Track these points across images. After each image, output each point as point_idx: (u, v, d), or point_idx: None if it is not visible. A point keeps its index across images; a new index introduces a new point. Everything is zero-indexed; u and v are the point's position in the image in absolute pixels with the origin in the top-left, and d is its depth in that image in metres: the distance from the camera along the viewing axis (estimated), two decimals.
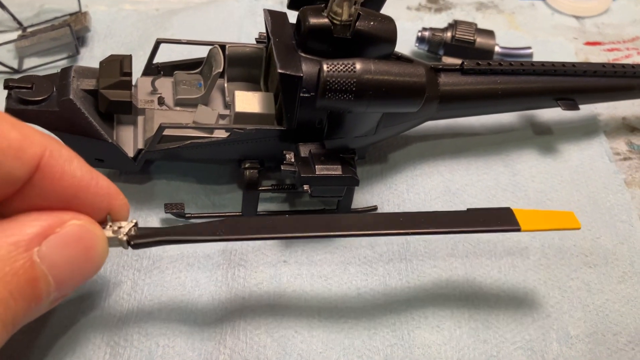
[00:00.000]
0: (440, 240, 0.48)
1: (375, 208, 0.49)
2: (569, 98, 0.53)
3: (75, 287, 0.34)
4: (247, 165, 0.45)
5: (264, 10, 0.46)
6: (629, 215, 0.51)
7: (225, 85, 0.49)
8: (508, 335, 0.43)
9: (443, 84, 0.49)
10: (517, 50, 0.62)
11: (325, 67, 0.39)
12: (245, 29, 0.63)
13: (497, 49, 0.61)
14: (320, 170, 0.43)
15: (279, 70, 0.41)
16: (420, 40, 0.61)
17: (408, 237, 0.47)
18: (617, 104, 0.60)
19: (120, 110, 0.44)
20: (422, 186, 0.51)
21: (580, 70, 0.52)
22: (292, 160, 0.43)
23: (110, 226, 0.35)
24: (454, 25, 0.60)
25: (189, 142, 0.43)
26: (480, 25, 0.67)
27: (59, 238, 0.32)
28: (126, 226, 0.36)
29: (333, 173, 0.43)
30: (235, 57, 0.48)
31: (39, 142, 0.31)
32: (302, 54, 0.43)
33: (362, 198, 0.50)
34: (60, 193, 0.33)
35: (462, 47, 0.60)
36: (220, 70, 0.45)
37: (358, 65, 0.40)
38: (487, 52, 0.60)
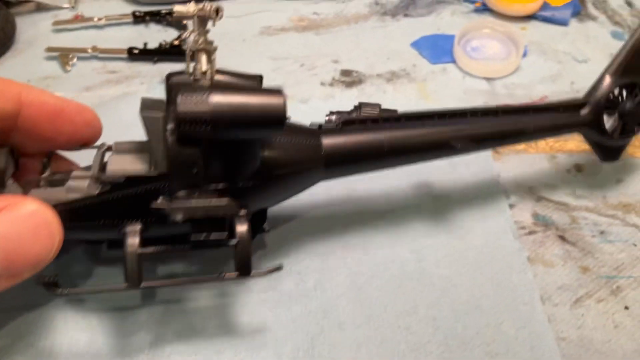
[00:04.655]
0: (346, 343, 0.48)
1: (280, 267, 0.46)
2: (457, 145, 0.52)
3: (27, 270, 0.37)
4: (126, 228, 0.42)
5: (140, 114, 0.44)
6: (531, 296, 0.52)
7: (108, 155, 0.46)
8: None
9: (326, 146, 0.48)
10: None
11: (179, 99, 0.38)
12: None
13: None
14: (194, 201, 0.41)
15: (140, 114, 0.41)
16: (328, 124, 0.62)
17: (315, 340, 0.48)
18: (523, 174, 0.61)
19: None
20: (330, 282, 0.52)
21: (466, 116, 0.52)
22: (165, 199, 0.41)
23: None
24: (359, 107, 0.61)
25: (53, 203, 0.40)
26: (391, 97, 0.69)
27: (10, 213, 0.36)
28: None
29: (207, 202, 0.41)
30: (123, 150, 0.47)
31: (15, 84, 0.43)
32: None
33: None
34: (44, 118, 0.44)
35: None
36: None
37: (212, 97, 0.39)
38: None
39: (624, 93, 0.56)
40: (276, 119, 0.40)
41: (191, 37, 0.41)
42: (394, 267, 0.54)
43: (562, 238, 0.57)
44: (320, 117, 0.64)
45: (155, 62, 0.72)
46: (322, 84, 0.70)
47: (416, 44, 0.75)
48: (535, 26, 0.79)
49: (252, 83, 0.44)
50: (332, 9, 0.80)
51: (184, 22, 0.40)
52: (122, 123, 0.62)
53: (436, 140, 0.51)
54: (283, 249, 0.54)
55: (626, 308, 0.52)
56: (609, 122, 0.56)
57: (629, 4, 0.82)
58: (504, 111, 0.54)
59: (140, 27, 0.77)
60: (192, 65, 0.42)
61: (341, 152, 0.49)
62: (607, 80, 0.56)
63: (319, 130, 0.50)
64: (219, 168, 0.43)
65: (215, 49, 0.42)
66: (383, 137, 0.50)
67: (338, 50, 0.74)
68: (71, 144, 0.47)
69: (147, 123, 0.41)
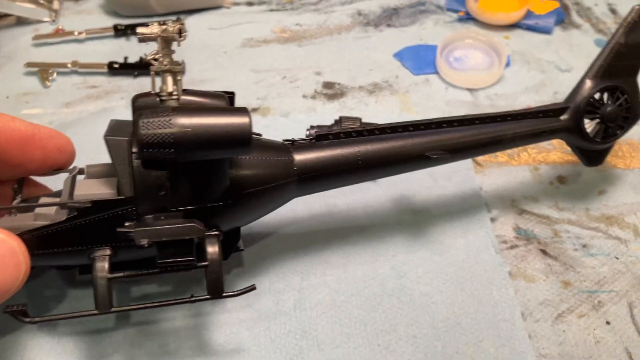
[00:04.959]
0: None
1: (253, 287, 0.45)
2: (434, 156, 0.51)
3: None
4: (95, 254, 0.42)
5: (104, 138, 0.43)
6: (512, 312, 0.52)
7: (79, 178, 0.46)
8: None
9: (298, 161, 0.48)
10: None
11: (141, 122, 0.38)
12: None
13: None
14: (159, 225, 0.41)
15: (104, 138, 0.41)
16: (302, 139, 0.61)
17: None
18: (505, 186, 0.61)
19: None
20: (309, 301, 0.52)
21: (443, 125, 0.51)
22: (131, 223, 0.41)
23: None
24: (339, 121, 0.61)
25: (20, 231, 0.40)
26: (373, 109, 0.69)
27: None
28: None
29: (173, 225, 0.41)
30: (93, 174, 0.46)
31: None
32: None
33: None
34: (14, 144, 0.43)
35: None
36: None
37: (175, 119, 0.38)
38: None
39: (605, 96, 0.56)
40: (242, 139, 0.40)
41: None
42: (374, 284, 0.53)
43: (544, 252, 0.56)
44: (301, 131, 0.64)
45: (135, 76, 0.72)
46: (304, 96, 0.70)
47: (399, 55, 0.75)
48: (518, 35, 0.79)
49: (221, 102, 0.43)
50: (315, 20, 0.80)
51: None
52: (101, 140, 0.62)
53: (412, 151, 0.51)
54: (261, 266, 0.54)
55: (607, 323, 0.51)
56: (590, 126, 0.56)
57: (613, 12, 0.82)
58: (481, 119, 0.53)
59: (121, 41, 0.76)
60: (158, 85, 0.42)
61: (314, 167, 0.48)
62: (588, 84, 0.56)
63: (291, 145, 0.49)
64: (187, 189, 0.42)
65: (181, 69, 0.41)
66: (357, 151, 0.49)
67: (320, 62, 0.74)
68: (43, 169, 0.46)
69: (112, 147, 0.41)
